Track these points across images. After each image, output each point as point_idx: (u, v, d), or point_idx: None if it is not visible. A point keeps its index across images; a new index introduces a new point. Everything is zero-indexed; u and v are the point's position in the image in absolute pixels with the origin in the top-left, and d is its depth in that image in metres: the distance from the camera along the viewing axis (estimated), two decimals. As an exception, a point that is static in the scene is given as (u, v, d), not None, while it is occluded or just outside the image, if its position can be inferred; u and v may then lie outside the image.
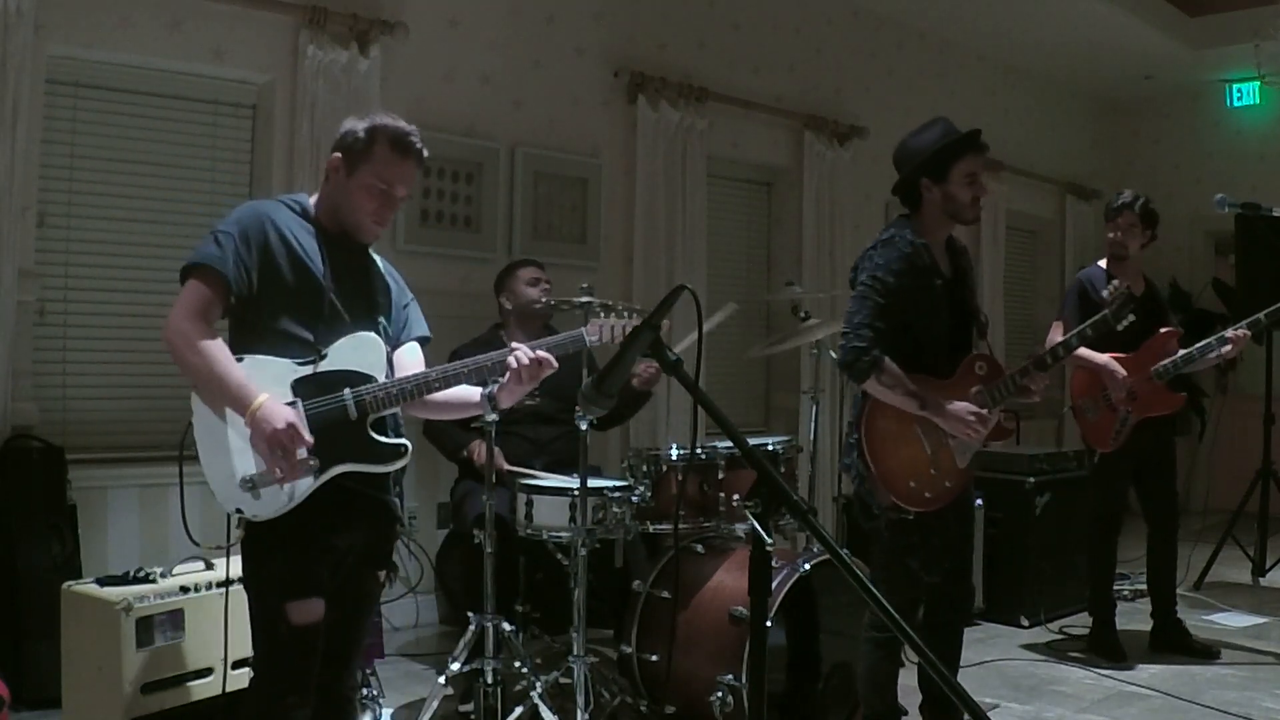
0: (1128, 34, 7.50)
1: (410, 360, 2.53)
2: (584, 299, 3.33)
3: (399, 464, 2.38)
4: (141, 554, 3.87)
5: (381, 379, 2.37)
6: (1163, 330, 4.38)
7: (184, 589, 3.18)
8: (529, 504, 3.46)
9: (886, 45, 7.15)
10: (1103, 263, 4.50)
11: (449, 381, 2.39)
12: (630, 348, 1.86)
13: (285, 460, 2.18)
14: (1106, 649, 4.42)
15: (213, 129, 4.39)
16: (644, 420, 5.41)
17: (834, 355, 4.56)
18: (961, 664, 4.16)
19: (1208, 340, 4.34)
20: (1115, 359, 4.26)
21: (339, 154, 2.38)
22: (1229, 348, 4.29)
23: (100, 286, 4.10)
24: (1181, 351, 4.33)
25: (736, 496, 3.50)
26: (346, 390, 2.30)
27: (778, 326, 6.08)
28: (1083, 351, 4.28)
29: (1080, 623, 4.77)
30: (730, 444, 2.13)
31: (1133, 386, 4.26)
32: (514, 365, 2.40)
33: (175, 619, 3.13)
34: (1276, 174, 8.04)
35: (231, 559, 2.69)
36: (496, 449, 3.44)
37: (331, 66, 4.38)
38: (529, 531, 3.47)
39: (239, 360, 2.26)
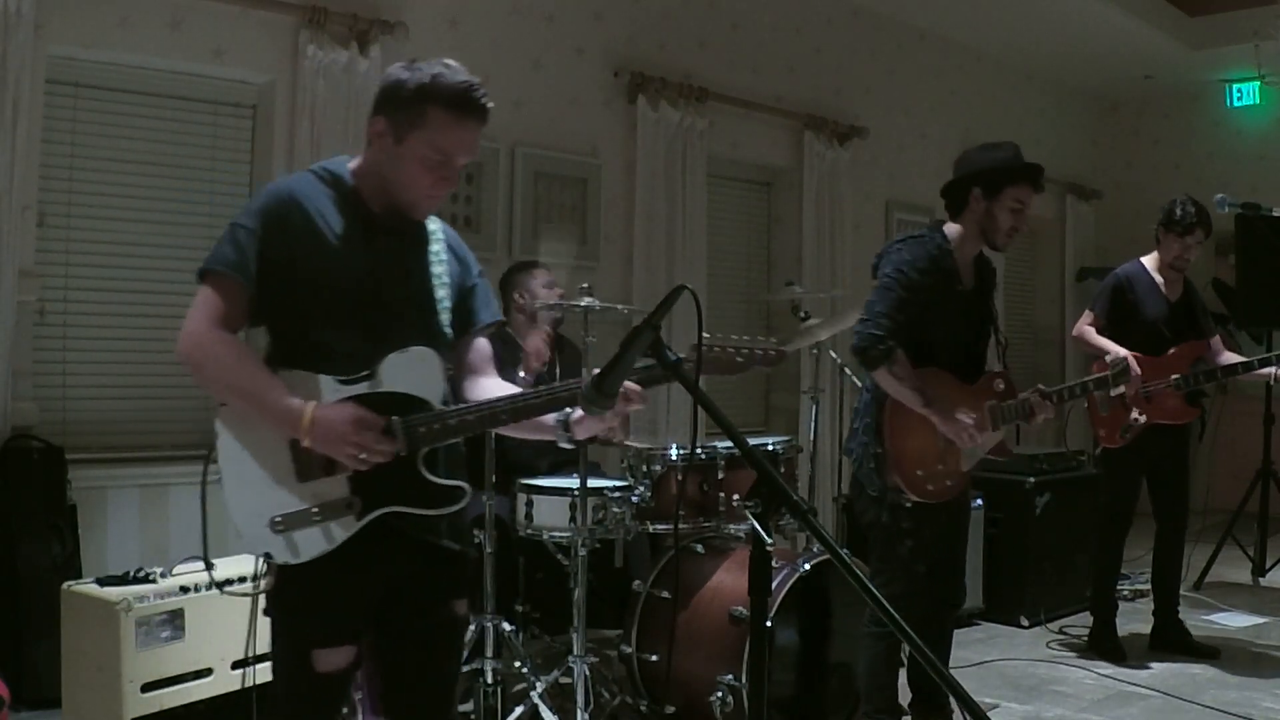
0: (1128, 34, 7.50)
1: (479, 359, 2.18)
2: (585, 300, 3.35)
3: (453, 508, 2.02)
4: (141, 554, 3.87)
5: (438, 404, 1.98)
6: (1195, 342, 4.36)
7: (184, 589, 3.17)
8: (529, 504, 3.46)
9: (886, 45, 7.15)
10: (1147, 261, 4.42)
11: (518, 414, 1.99)
12: (630, 348, 1.83)
13: (375, 457, 1.90)
14: (1106, 649, 4.42)
15: (213, 129, 4.38)
16: (644, 420, 5.41)
17: (834, 355, 4.61)
18: (962, 664, 4.19)
19: (1233, 363, 4.31)
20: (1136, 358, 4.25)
21: (382, 116, 1.98)
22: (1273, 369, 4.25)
23: (100, 286, 4.10)
24: (1231, 357, 4.33)
25: (736, 496, 3.50)
26: (395, 419, 1.93)
27: (778, 326, 6.08)
28: (1103, 341, 4.28)
29: (1080, 623, 4.78)
30: (730, 444, 2.12)
31: (1150, 390, 4.24)
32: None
33: (175, 619, 3.13)
34: (1276, 174, 8.03)
35: (235, 562, 2.70)
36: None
37: (331, 66, 4.38)
38: (529, 531, 3.47)
39: None
